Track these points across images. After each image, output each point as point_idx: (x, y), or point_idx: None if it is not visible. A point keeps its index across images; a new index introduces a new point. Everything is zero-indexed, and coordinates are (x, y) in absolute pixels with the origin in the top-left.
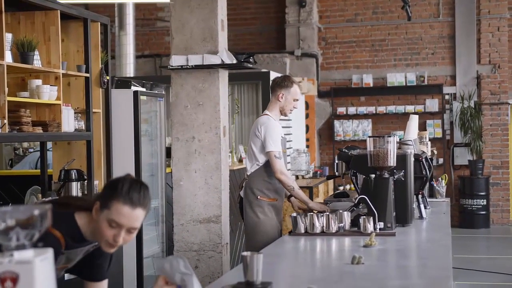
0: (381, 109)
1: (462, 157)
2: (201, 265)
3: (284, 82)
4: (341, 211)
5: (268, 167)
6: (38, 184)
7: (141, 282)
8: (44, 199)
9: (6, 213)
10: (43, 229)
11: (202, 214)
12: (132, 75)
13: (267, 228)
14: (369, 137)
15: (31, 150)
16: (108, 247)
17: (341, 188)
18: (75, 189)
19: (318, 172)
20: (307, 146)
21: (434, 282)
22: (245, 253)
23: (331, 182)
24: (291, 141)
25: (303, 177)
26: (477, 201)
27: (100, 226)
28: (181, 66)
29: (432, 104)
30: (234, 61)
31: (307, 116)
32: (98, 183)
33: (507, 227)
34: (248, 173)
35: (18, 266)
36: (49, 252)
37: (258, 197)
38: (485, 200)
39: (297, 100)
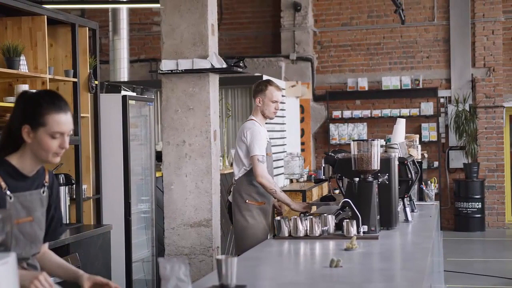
0: (376, 112)
1: (457, 160)
2: (192, 269)
3: (259, 86)
4: (325, 214)
5: None
6: None
7: (130, 287)
8: None
9: None
10: (4, 233)
11: (192, 218)
12: (126, 79)
13: (256, 231)
14: (353, 140)
15: None
16: (55, 157)
17: (337, 191)
18: (63, 193)
19: (313, 175)
20: (303, 150)
21: (408, 284)
22: (219, 257)
23: (325, 185)
24: (285, 144)
25: (297, 180)
26: (472, 204)
27: (43, 143)
28: (171, 70)
29: (427, 108)
30: (224, 66)
31: (302, 120)
32: (86, 188)
33: (502, 230)
34: (236, 178)
35: None
36: (11, 257)
37: (247, 201)
38: (480, 203)
39: (276, 101)
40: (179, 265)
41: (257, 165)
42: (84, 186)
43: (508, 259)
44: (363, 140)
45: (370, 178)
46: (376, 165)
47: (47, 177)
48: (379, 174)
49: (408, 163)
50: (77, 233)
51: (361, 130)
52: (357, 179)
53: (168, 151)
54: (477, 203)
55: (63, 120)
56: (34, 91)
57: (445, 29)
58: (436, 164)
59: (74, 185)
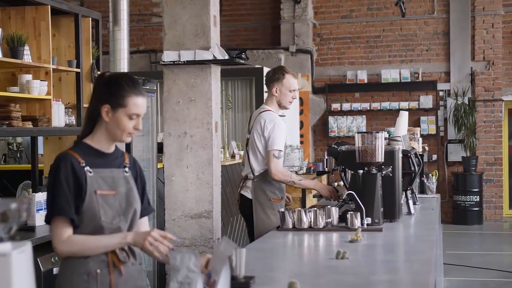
0: (376, 105)
1: (456, 153)
2: None
3: (275, 75)
4: (329, 206)
5: None
6: (30, 179)
7: None
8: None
9: None
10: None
11: (193, 210)
12: (126, 70)
13: None
14: (357, 133)
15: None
16: (128, 137)
17: (335, 184)
18: None
19: (312, 168)
20: (302, 142)
21: (415, 277)
22: None
23: (325, 178)
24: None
25: (296, 173)
26: (470, 198)
27: (120, 123)
28: (173, 61)
29: (426, 101)
30: (226, 57)
31: (301, 112)
32: None
33: (500, 223)
34: (256, 173)
35: None
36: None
37: (271, 199)
38: (478, 196)
39: (293, 90)
40: (189, 256)
41: (271, 161)
42: None
43: (506, 252)
44: (367, 133)
45: (374, 171)
46: (380, 157)
47: (127, 159)
48: (383, 167)
49: (411, 155)
50: None
51: (360, 122)
52: (361, 171)
53: (170, 142)
54: (475, 197)
55: (141, 103)
56: (113, 73)
57: (445, 22)
58: (434, 157)
59: None
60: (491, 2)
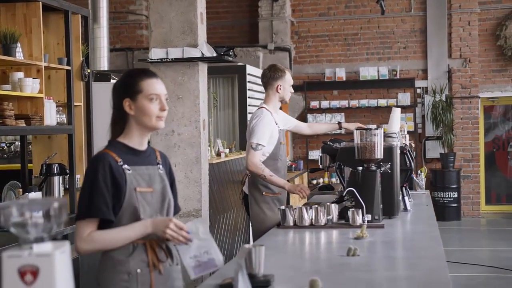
0: (354, 102)
1: (434, 150)
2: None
3: (277, 73)
4: (328, 203)
5: (270, 161)
6: (18, 179)
7: None
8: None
9: (24, 205)
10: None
11: (182, 208)
12: (106, 68)
13: (274, 223)
14: (356, 129)
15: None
16: (159, 121)
17: (314, 182)
18: (57, 183)
19: (293, 166)
20: None
21: (433, 273)
22: (247, 246)
23: (305, 176)
24: None
25: None
26: (448, 194)
27: (144, 108)
28: (161, 59)
29: (404, 98)
30: (214, 54)
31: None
32: (80, 178)
33: (477, 219)
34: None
35: (38, 259)
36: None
37: (263, 193)
38: (456, 192)
39: (292, 84)
40: (196, 226)
41: (248, 152)
42: (78, 176)
43: (485, 247)
44: (366, 129)
45: (373, 167)
46: (379, 154)
47: (158, 156)
48: (381, 163)
49: (407, 152)
50: (72, 223)
51: (339, 120)
52: (360, 168)
53: (157, 140)
54: (453, 193)
55: (155, 83)
56: (126, 71)
57: (422, 20)
58: (413, 154)
59: (68, 175)
60: (467, 0)
